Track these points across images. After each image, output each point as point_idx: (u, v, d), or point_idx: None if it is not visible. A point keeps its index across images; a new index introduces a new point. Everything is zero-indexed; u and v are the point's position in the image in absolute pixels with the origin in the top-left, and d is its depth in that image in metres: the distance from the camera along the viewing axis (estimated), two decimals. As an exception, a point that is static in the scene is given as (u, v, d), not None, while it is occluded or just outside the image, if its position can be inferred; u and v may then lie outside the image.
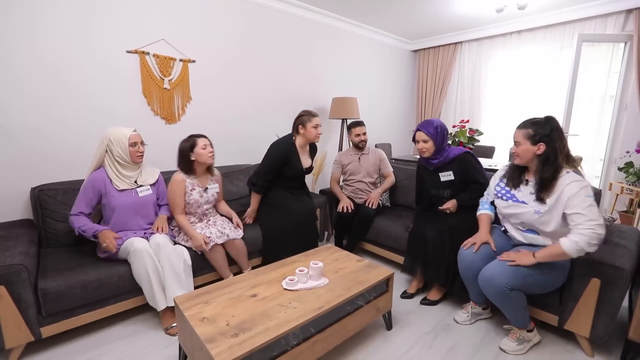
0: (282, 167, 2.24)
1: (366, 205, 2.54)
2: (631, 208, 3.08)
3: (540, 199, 1.50)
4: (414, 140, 2.03)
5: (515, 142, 1.57)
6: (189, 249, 1.91)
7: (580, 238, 1.35)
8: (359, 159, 2.70)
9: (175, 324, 1.71)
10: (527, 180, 1.60)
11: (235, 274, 2.06)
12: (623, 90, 3.30)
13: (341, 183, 2.82)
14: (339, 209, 2.56)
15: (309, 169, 2.41)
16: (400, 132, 5.03)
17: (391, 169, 2.75)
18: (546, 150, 1.47)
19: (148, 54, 2.39)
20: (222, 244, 2.00)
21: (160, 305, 1.70)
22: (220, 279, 1.99)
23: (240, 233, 2.11)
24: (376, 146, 3.94)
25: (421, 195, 2.24)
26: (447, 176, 2.01)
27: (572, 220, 1.40)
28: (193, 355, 1.31)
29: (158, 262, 1.72)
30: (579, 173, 1.46)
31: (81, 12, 2.10)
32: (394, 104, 4.80)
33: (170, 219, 2.03)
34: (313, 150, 2.46)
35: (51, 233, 1.90)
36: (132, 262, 1.70)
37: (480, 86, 4.31)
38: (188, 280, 1.80)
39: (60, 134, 2.12)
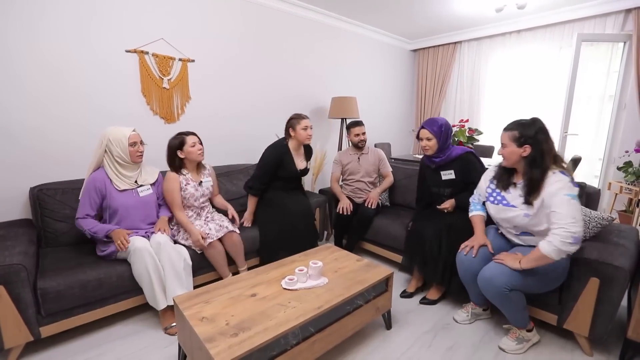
0: (277, 170, 2.29)
1: (365, 205, 2.55)
2: (630, 207, 3.09)
3: (528, 202, 1.50)
4: (418, 137, 2.04)
5: (501, 144, 1.58)
6: (188, 248, 1.91)
7: (553, 238, 1.36)
8: (359, 158, 2.70)
9: (174, 324, 1.71)
10: (515, 183, 1.60)
11: (233, 274, 2.06)
12: (622, 90, 3.30)
13: (340, 182, 2.82)
14: (338, 209, 2.56)
15: (304, 171, 2.44)
16: (400, 131, 5.03)
17: (390, 169, 2.75)
18: (532, 152, 1.47)
19: (147, 53, 2.38)
20: (221, 240, 2.01)
21: (161, 305, 1.70)
22: (220, 278, 1.99)
23: (237, 226, 2.12)
24: (375, 146, 3.94)
25: (422, 194, 2.24)
26: (448, 175, 2.02)
27: (550, 219, 1.40)
28: (192, 355, 1.31)
29: (158, 261, 1.72)
30: (565, 172, 1.45)
31: (81, 12, 2.10)
32: (394, 103, 4.80)
33: (170, 219, 2.03)
34: (308, 152, 2.51)
35: (50, 233, 1.90)
36: (133, 261, 1.69)
37: (480, 86, 4.31)
38: (188, 280, 1.81)
39: (60, 134, 2.12)
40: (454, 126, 3.70)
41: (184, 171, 2.04)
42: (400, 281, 2.28)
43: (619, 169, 3.14)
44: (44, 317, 1.51)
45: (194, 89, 2.69)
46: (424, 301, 2.03)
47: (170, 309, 1.75)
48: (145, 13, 2.35)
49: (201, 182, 2.09)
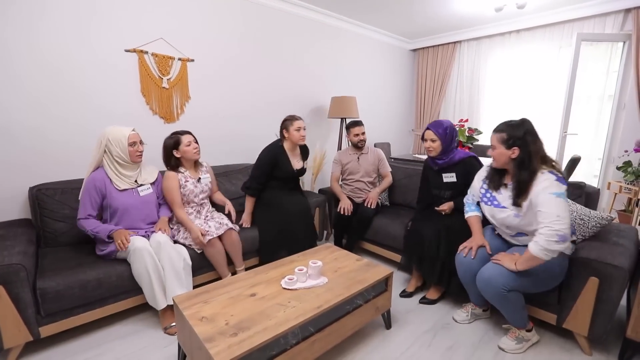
0: (273, 170, 2.32)
1: (365, 205, 2.55)
2: (629, 207, 3.09)
3: (517, 204, 1.50)
4: (422, 138, 2.06)
5: (491, 145, 1.58)
6: (188, 248, 1.91)
7: (539, 238, 1.36)
8: (358, 158, 2.70)
9: (174, 323, 1.71)
10: (505, 184, 1.60)
11: (231, 274, 2.06)
12: (622, 90, 3.30)
13: (340, 182, 2.82)
14: (339, 209, 2.56)
15: (301, 171, 2.46)
16: (400, 131, 5.03)
17: (389, 169, 2.75)
18: (520, 154, 1.47)
19: (147, 53, 2.38)
20: (221, 240, 2.01)
21: (161, 305, 1.70)
22: (219, 278, 1.99)
23: (236, 226, 2.14)
24: (375, 145, 3.94)
25: (423, 195, 2.26)
26: (449, 177, 2.04)
27: (537, 219, 1.41)
28: (192, 355, 1.31)
29: (158, 260, 1.72)
30: (554, 171, 1.45)
31: (81, 12, 2.10)
32: (393, 103, 4.80)
33: (170, 220, 2.04)
34: (305, 152, 2.53)
35: (49, 232, 1.90)
36: (133, 261, 1.69)
37: (479, 85, 4.31)
38: (188, 279, 1.80)
39: (60, 134, 2.12)
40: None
41: (182, 169, 2.06)
42: (399, 281, 2.28)
43: (618, 168, 3.14)
44: (43, 317, 1.51)
45: (193, 89, 2.68)
46: (424, 301, 2.03)
47: (170, 308, 1.75)
48: (145, 13, 2.35)
49: (199, 178, 2.11)
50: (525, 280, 1.49)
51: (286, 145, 2.37)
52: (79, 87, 2.15)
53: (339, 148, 3.69)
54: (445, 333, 1.77)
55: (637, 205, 2.93)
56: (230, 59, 2.89)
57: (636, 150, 3.00)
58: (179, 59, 2.56)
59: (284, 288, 1.53)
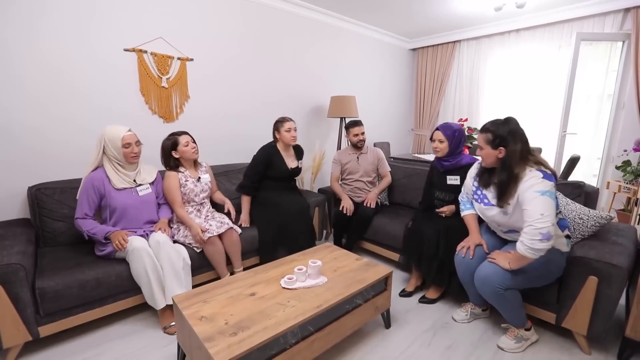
0: (267, 170, 2.38)
1: (364, 205, 2.55)
2: (628, 206, 3.09)
3: (500, 205, 1.50)
4: (431, 139, 2.09)
5: (478, 145, 1.58)
6: (188, 247, 1.91)
7: (524, 237, 1.36)
8: (358, 158, 2.70)
9: (173, 323, 1.71)
10: (495, 182, 1.60)
11: (230, 274, 2.06)
12: (621, 89, 3.30)
13: (339, 182, 2.82)
14: (341, 208, 2.56)
15: (296, 170, 2.50)
16: (399, 130, 5.03)
17: (388, 169, 2.75)
18: (506, 154, 1.47)
19: (146, 52, 2.37)
20: (220, 238, 2.01)
21: (160, 304, 1.70)
22: (218, 278, 1.98)
23: (238, 228, 2.15)
24: (375, 145, 3.94)
25: (426, 195, 2.27)
26: (453, 180, 2.06)
27: (523, 217, 1.41)
28: (192, 354, 1.31)
29: (157, 260, 1.72)
30: (542, 169, 1.44)
31: (81, 12, 2.10)
32: (393, 102, 4.80)
33: (170, 221, 2.04)
34: (298, 152, 2.58)
35: (48, 232, 1.89)
36: (131, 261, 1.69)
37: (479, 85, 4.31)
38: (187, 279, 1.80)
39: (60, 134, 2.11)
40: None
41: (182, 169, 2.07)
42: (399, 280, 2.28)
43: (617, 168, 3.14)
44: (42, 316, 1.51)
45: (193, 89, 2.68)
46: (423, 300, 2.04)
47: (169, 308, 1.75)
48: (145, 13, 2.35)
49: (199, 178, 2.13)
50: (521, 278, 1.50)
51: (279, 145, 2.44)
52: (79, 87, 2.15)
53: (339, 147, 3.68)
54: (444, 332, 1.77)
55: (636, 204, 2.94)
56: (230, 58, 2.88)
57: (635, 150, 3.00)
58: (178, 59, 2.55)
59: (284, 287, 1.53)
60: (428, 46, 4.68)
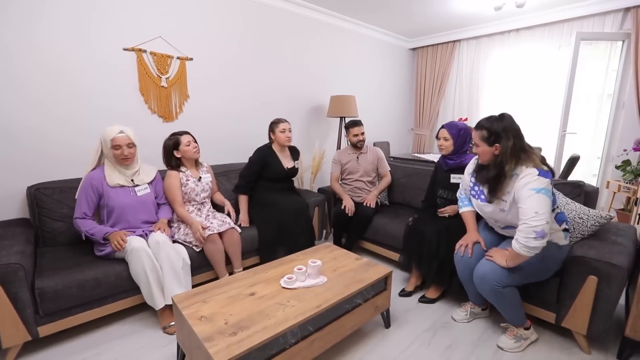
0: (263, 170, 2.40)
1: (364, 205, 2.55)
2: (628, 206, 3.09)
3: (490, 201, 1.50)
4: (437, 137, 2.10)
5: (474, 143, 1.58)
6: (187, 247, 1.91)
7: (518, 235, 1.37)
8: (357, 158, 2.69)
9: (173, 323, 1.71)
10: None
11: (229, 274, 2.06)
12: (621, 89, 3.30)
13: (339, 182, 2.81)
14: (343, 207, 2.55)
15: (293, 170, 2.51)
16: (399, 130, 5.03)
17: (388, 169, 2.75)
18: (501, 151, 1.47)
19: (145, 51, 2.37)
20: (221, 238, 2.01)
21: (159, 304, 1.70)
22: (217, 278, 1.98)
23: (239, 228, 2.15)
24: (374, 144, 3.94)
25: (430, 194, 2.28)
26: (457, 179, 2.06)
27: (518, 215, 1.41)
28: (191, 354, 1.31)
29: (157, 260, 1.72)
30: (541, 167, 1.43)
31: (80, 11, 2.09)
32: (393, 102, 4.80)
33: (170, 221, 2.04)
34: (295, 153, 2.60)
35: (48, 232, 1.89)
36: (130, 261, 1.69)
37: (479, 84, 4.31)
38: (186, 279, 1.80)
39: (60, 134, 2.11)
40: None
41: (183, 168, 2.09)
42: (399, 280, 2.28)
43: (617, 167, 3.14)
44: (41, 316, 1.51)
45: (192, 88, 2.67)
46: (423, 300, 2.04)
47: (169, 308, 1.75)
48: (144, 12, 2.34)
49: (200, 177, 2.14)
50: (518, 275, 1.50)
51: (275, 146, 2.47)
52: (79, 87, 2.15)
53: (338, 147, 3.68)
54: (444, 332, 1.77)
55: (635, 204, 2.94)
56: (230, 58, 2.88)
57: (635, 149, 3.00)
58: (178, 58, 2.55)
59: (283, 287, 1.52)
60: (428, 46, 4.67)
